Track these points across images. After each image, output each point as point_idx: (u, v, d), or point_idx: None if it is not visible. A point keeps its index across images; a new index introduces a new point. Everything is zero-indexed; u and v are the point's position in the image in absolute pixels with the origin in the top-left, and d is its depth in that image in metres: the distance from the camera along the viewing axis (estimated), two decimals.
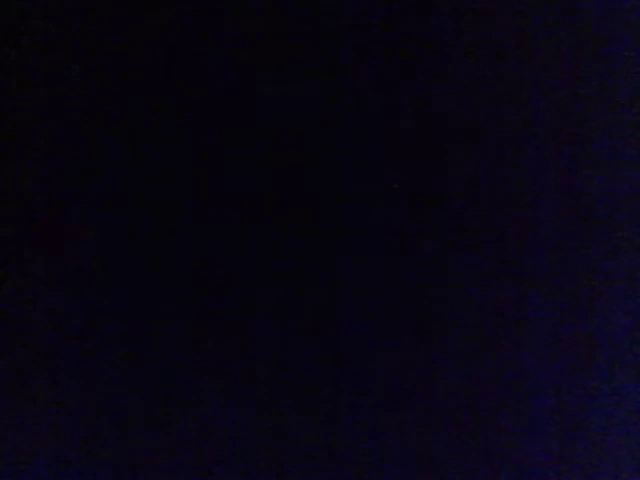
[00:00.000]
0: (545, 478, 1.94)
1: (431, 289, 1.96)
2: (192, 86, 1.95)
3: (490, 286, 1.96)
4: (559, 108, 1.97)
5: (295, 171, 1.96)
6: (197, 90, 1.95)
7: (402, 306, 1.95)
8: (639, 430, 1.94)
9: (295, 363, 1.94)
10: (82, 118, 1.94)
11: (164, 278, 1.94)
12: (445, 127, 1.97)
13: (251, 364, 1.94)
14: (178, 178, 1.95)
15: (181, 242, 1.95)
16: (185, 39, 1.95)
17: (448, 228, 1.96)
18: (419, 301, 1.96)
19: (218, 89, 1.95)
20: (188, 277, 1.94)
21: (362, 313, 1.96)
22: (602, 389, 1.94)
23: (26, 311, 1.93)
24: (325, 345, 1.95)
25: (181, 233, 1.95)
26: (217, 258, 1.95)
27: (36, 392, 1.93)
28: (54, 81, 1.94)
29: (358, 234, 1.96)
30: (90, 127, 1.94)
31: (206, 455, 1.93)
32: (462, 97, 1.97)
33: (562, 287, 1.97)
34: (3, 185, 1.93)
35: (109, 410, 1.93)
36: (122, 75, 1.94)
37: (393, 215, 1.96)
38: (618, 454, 1.94)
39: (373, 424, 1.94)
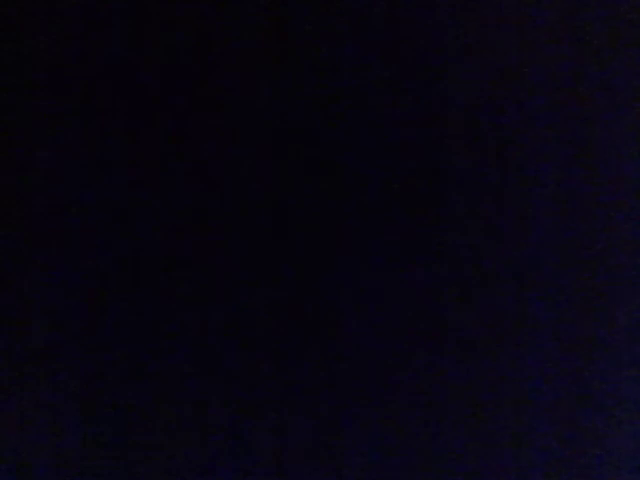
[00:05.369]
0: (545, 478, 1.94)
1: (431, 290, 1.96)
2: (192, 87, 1.95)
3: (490, 286, 1.96)
4: (559, 108, 1.98)
5: (295, 171, 1.96)
6: (197, 90, 1.95)
7: (402, 307, 1.96)
8: (639, 430, 1.94)
9: (295, 364, 1.94)
10: (83, 119, 1.95)
11: (165, 279, 1.94)
12: (445, 127, 1.97)
13: (251, 365, 1.95)
14: (179, 179, 1.95)
15: (182, 243, 1.95)
16: (185, 39, 1.95)
17: (448, 228, 1.97)
18: (419, 301, 1.96)
19: (218, 90, 1.96)
20: (189, 278, 1.95)
21: (362, 315, 1.96)
22: (602, 389, 1.95)
23: (26, 311, 1.93)
24: (325, 346, 1.95)
25: (182, 234, 1.95)
26: (218, 259, 1.95)
27: (36, 392, 1.93)
28: (54, 80, 1.94)
29: (358, 235, 1.97)
30: (91, 128, 1.95)
31: (206, 455, 1.93)
32: (462, 97, 1.97)
33: (562, 287, 1.97)
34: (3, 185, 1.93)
35: (109, 410, 1.93)
36: (123, 75, 1.95)
37: (393, 216, 1.96)
38: (618, 454, 1.94)
39: (373, 424, 1.95)
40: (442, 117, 1.97)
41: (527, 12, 1.97)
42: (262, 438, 1.93)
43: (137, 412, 1.92)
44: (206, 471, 1.93)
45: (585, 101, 1.97)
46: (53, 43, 1.94)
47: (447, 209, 1.97)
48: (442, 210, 1.97)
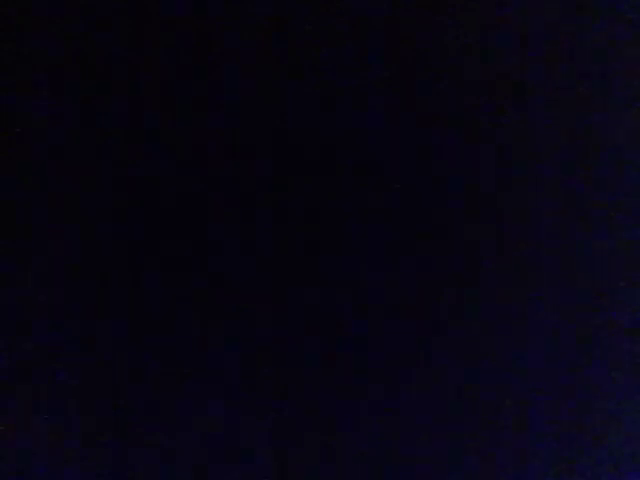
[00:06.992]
0: (545, 478, 1.94)
1: (431, 289, 1.96)
2: (192, 87, 1.95)
3: (490, 286, 1.97)
4: (559, 108, 1.98)
5: (295, 171, 1.97)
6: (197, 90, 1.95)
7: (402, 307, 1.96)
8: (639, 430, 1.94)
9: (295, 364, 1.95)
10: (85, 119, 1.95)
11: (166, 280, 1.94)
12: (445, 127, 1.97)
13: (251, 365, 1.95)
14: (178, 179, 1.95)
15: (183, 244, 1.95)
16: (187, 39, 1.95)
17: (448, 228, 1.97)
18: (419, 301, 1.96)
19: (218, 90, 1.96)
20: (190, 280, 1.95)
21: (362, 314, 1.96)
22: (602, 389, 1.95)
23: (26, 310, 1.94)
24: (325, 346, 1.95)
25: (182, 235, 1.95)
26: (218, 259, 1.95)
27: (36, 393, 1.93)
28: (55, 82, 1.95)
29: (358, 235, 1.97)
30: (93, 128, 1.95)
31: (206, 455, 1.94)
32: (462, 97, 1.97)
33: (562, 287, 1.97)
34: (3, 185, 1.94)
35: (109, 411, 1.93)
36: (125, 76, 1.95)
37: (393, 215, 1.97)
38: (618, 454, 1.94)
39: (373, 424, 1.95)
40: (442, 117, 1.97)
41: (527, 12, 1.97)
42: (262, 438, 1.93)
43: (137, 412, 1.92)
44: (206, 471, 1.93)
45: (585, 101, 1.98)
46: (53, 43, 1.94)
47: (447, 209, 1.97)
48: (442, 210, 1.97)
